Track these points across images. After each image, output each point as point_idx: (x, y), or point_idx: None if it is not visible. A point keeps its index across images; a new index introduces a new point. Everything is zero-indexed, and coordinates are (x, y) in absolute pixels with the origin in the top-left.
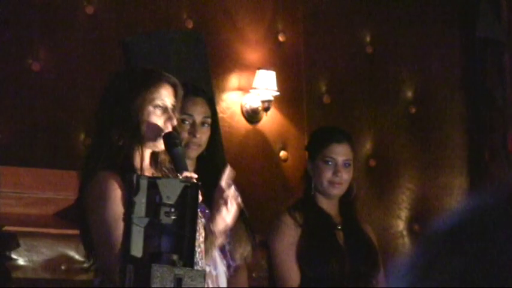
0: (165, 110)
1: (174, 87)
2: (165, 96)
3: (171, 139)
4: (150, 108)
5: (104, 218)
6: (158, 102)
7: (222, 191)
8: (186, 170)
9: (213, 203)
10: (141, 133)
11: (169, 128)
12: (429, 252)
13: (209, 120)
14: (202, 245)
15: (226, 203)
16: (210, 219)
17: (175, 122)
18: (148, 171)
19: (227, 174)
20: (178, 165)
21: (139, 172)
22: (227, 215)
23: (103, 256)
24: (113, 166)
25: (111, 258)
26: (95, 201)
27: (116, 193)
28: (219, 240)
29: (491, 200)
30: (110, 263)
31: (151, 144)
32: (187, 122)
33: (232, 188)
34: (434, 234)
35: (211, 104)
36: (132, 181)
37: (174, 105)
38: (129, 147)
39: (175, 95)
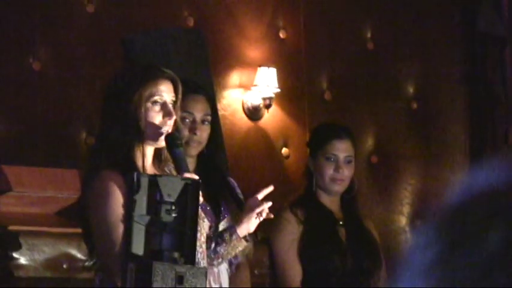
0: (163, 105)
1: (173, 82)
2: (164, 91)
3: (172, 140)
4: (148, 104)
5: (105, 217)
6: (156, 98)
7: (258, 204)
8: (187, 171)
9: (245, 211)
10: (141, 130)
11: (167, 124)
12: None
13: (209, 117)
14: (203, 246)
15: (255, 217)
16: (237, 225)
17: (173, 117)
18: (150, 170)
19: (267, 189)
20: (179, 166)
21: (141, 170)
22: (253, 224)
23: (103, 255)
24: (115, 165)
25: (111, 257)
26: (97, 200)
27: (117, 192)
28: (240, 247)
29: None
30: (109, 262)
31: (151, 141)
32: (187, 120)
33: (269, 204)
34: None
35: (212, 101)
36: (133, 179)
37: (174, 101)
38: (130, 145)
39: (175, 91)
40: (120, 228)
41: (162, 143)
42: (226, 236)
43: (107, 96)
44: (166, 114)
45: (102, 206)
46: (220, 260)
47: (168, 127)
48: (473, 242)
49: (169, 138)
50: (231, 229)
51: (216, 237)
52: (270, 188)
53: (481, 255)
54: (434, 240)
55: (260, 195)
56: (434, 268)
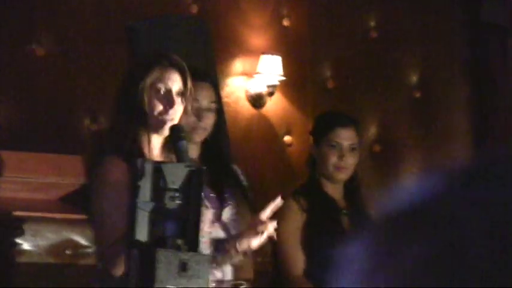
0: (166, 93)
1: (180, 71)
2: (168, 79)
3: (175, 131)
4: (152, 91)
5: (103, 204)
6: (159, 85)
7: (262, 222)
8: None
9: (248, 226)
10: (147, 118)
11: (168, 113)
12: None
13: (214, 105)
14: (206, 235)
15: (259, 234)
16: (238, 239)
17: (174, 106)
18: (157, 159)
19: (275, 205)
20: (180, 159)
21: (146, 158)
22: (255, 242)
23: (98, 241)
24: (120, 151)
25: (104, 243)
26: (97, 187)
27: (118, 179)
28: (237, 258)
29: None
30: (101, 249)
31: (155, 130)
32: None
33: (274, 224)
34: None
35: (216, 88)
36: (137, 166)
37: (181, 91)
38: (136, 132)
39: (183, 80)
40: (116, 216)
41: (165, 131)
42: (227, 245)
43: (120, 86)
44: (167, 102)
45: (101, 193)
46: (214, 265)
47: (169, 116)
48: (405, 247)
49: (173, 129)
50: (232, 241)
51: (215, 243)
52: (278, 201)
53: (412, 261)
54: (372, 244)
55: (266, 213)
56: (369, 272)
